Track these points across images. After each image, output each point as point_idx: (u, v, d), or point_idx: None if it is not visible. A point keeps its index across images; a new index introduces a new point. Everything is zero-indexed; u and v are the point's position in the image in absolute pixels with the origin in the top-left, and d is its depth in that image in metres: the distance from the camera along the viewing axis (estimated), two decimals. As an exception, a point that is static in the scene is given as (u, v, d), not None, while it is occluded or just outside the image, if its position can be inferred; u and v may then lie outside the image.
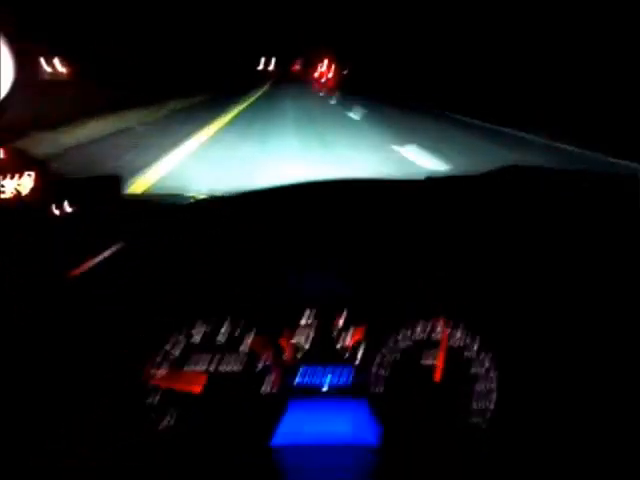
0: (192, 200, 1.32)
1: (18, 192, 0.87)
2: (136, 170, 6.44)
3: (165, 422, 1.01)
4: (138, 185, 5.94)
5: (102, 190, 1.15)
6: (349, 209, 1.15)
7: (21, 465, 0.88)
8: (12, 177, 0.86)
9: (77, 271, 0.91)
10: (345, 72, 48.94)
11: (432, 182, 1.53)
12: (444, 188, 1.46)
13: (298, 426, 1.03)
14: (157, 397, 1.01)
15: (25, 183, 0.87)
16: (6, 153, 0.86)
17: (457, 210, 1.19)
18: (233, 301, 1.04)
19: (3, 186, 0.86)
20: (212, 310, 1.03)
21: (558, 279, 1.08)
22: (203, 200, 1.29)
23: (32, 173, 0.88)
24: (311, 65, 61.55)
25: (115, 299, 0.96)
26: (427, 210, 1.18)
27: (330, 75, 51.18)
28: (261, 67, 59.24)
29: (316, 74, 56.21)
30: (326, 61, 55.40)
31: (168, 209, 1.22)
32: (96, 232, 1.01)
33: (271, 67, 63.16)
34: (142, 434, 1.01)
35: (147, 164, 6.99)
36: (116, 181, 1.17)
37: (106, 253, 0.94)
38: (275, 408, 1.03)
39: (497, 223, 1.15)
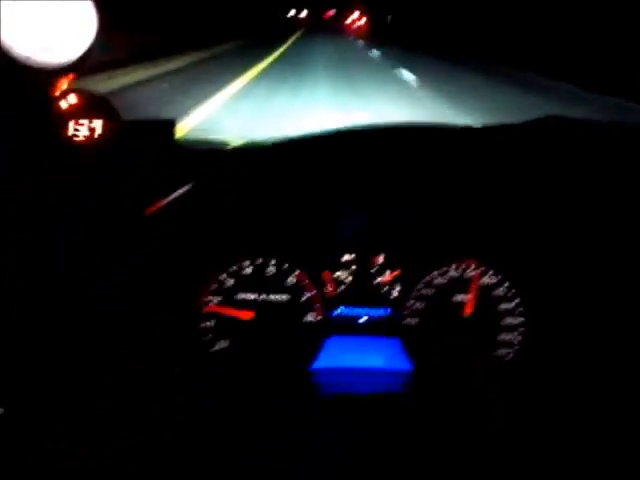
0: (232, 145, 1.39)
1: (91, 134, 0.96)
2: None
3: (218, 345, 1.12)
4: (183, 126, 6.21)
5: (159, 133, 1.23)
6: (386, 156, 1.21)
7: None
8: (85, 120, 0.95)
9: (153, 208, 1.01)
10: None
11: (469, 131, 1.58)
12: (481, 137, 1.51)
13: (336, 354, 1.14)
14: (212, 322, 1.11)
15: (96, 126, 0.96)
16: (79, 98, 0.94)
17: (492, 159, 1.24)
18: (279, 242, 1.13)
19: (77, 130, 0.95)
20: (260, 249, 1.13)
21: (589, 230, 1.13)
22: (248, 146, 1.36)
23: (102, 116, 0.96)
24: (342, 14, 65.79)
25: (178, 237, 1.06)
26: (463, 158, 1.24)
27: (362, 22, 54.29)
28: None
29: (348, 20, 60.22)
30: (357, 12, 59.13)
31: (214, 155, 1.28)
32: (155, 174, 1.09)
33: (303, 14, 63.09)
34: (197, 357, 1.12)
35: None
36: (172, 125, 1.25)
37: (175, 194, 1.02)
38: (317, 337, 1.13)
39: (531, 173, 1.19)
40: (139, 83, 9.55)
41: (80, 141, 0.95)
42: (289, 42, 26.42)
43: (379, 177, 1.15)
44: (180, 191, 1.03)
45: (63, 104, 0.93)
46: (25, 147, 0.91)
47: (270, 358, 1.12)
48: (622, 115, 8.09)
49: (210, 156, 1.22)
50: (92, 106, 0.96)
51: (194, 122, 6.74)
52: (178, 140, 1.25)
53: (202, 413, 1.02)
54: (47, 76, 0.83)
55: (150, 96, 8.19)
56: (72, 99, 0.94)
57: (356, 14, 60.67)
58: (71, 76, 0.86)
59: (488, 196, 1.15)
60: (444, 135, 1.51)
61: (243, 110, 7.97)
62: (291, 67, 14.85)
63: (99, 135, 0.96)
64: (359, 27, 52.64)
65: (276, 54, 18.92)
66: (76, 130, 0.95)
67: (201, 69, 13.23)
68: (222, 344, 1.12)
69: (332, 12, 75.78)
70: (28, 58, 0.79)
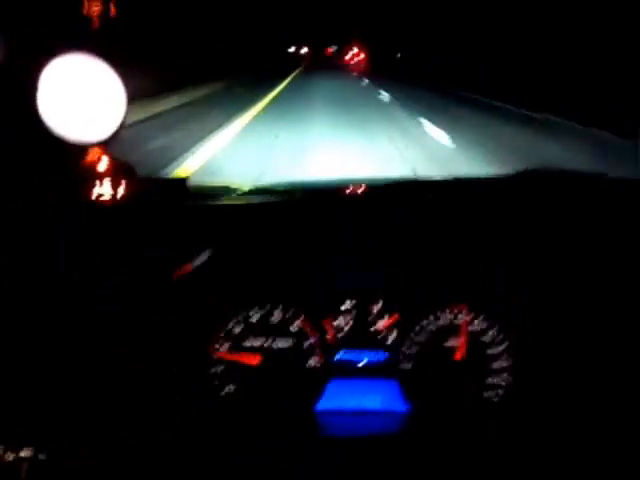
0: (238, 191, 1.49)
1: (114, 195, 1.06)
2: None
3: (226, 389, 1.20)
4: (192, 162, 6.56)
5: (172, 190, 1.33)
6: (380, 210, 1.31)
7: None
8: (111, 181, 1.04)
9: (177, 274, 1.10)
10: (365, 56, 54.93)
11: (456, 182, 1.68)
12: (467, 188, 1.61)
13: (338, 396, 1.22)
14: (220, 368, 1.20)
15: (120, 188, 1.06)
16: (106, 162, 1.04)
17: (480, 209, 1.34)
18: (284, 291, 1.22)
19: (104, 189, 1.05)
20: (266, 298, 1.21)
21: (575, 277, 1.22)
22: (252, 193, 1.45)
23: (126, 179, 1.06)
24: (343, 50, 69.41)
25: (192, 290, 1.15)
26: (453, 208, 1.34)
27: (361, 56, 56.61)
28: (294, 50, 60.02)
29: (347, 57, 63.14)
30: (355, 48, 62.17)
31: (223, 211, 1.37)
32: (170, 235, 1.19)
33: (304, 51, 65.07)
34: (206, 400, 1.20)
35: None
36: (182, 183, 1.35)
37: (196, 262, 1.12)
38: (319, 380, 1.21)
39: (518, 222, 1.29)
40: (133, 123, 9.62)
41: (105, 202, 1.05)
42: (289, 78, 27.00)
43: (375, 231, 1.24)
44: (201, 258, 1.11)
45: (90, 167, 1.03)
46: (24, 148, 0.97)
47: (275, 400, 1.20)
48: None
49: (219, 212, 1.30)
50: (116, 171, 1.06)
51: (196, 164, 6.87)
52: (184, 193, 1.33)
53: (206, 451, 1.08)
54: (80, 149, 0.93)
55: (145, 135, 8.27)
56: (98, 165, 1.04)
57: (355, 49, 63.19)
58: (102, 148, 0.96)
59: (477, 246, 1.24)
60: (435, 188, 1.61)
61: (246, 149, 8.11)
62: (292, 104, 15.19)
63: (121, 196, 1.06)
64: (358, 62, 54.55)
65: (277, 91, 19.32)
66: (101, 192, 1.05)
67: (199, 108, 13.41)
68: (230, 388, 1.20)
69: (333, 49, 78.41)
70: (64, 136, 0.89)
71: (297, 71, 32.54)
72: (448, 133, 9.74)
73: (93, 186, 1.03)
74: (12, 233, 0.98)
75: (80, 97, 0.89)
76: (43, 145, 0.90)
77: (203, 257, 1.13)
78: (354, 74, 35.62)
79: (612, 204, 1.37)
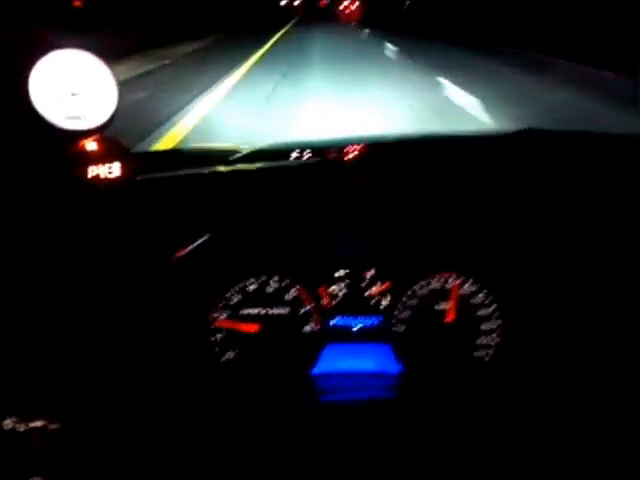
0: (230, 152, 1.50)
1: (108, 176, 1.08)
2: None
3: (226, 356, 1.26)
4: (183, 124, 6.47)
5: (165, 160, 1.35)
6: (372, 176, 1.33)
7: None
8: (104, 164, 1.07)
9: (181, 252, 1.14)
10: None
11: (449, 142, 1.69)
12: (461, 147, 1.63)
13: (334, 360, 1.27)
14: (220, 336, 1.25)
15: (115, 166, 1.09)
16: (102, 144, 1.06)
17: (472, 172, 1.36)
18: (280, 260, 1.26)
19: (99, 170, 1.07)
20: (262, 267, 1.25)
21: (566, 240, 1.26)
22: (244, 159, 1.46)
23: (119, 158, 1.09)
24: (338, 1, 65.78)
25: (192, 263, 1.19)
26: (444, 171, 1.36)
27: (353, 7, 55.49)
28: (286, 2, 58.34)
29: (341, 7, 60.42)
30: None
31: (219, 177, 1.38)
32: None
33: (297, 2, 63.35)
34: (207, 367, 1.25)
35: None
36: (178, 153, 1.37)
37: (197, 241, 1.16)
38: (315, 345, 1.27)
39: (510, 185, 1.32)
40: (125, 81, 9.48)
41: (100, 181, 1.08)
42: (283, 31, 26.47)
43: (367, 201, 1.27)
44: (199, 241, 1.15)
45: (84, 150, 1.06)
46: (24, 148, 1.00)
47: (273, 365, 1.26)
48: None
49: (214, 180, 1.32)
50: (109, 150, 1.08)
51: (189, 124, 6.77)
52: (178, 154, 1.34)
53: (206, 415, 1.14)
54: (75, 136, 0.96)
55: (135, 98, 8.15)
56: (92, 145, 1.06)
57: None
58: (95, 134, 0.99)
59: (466, 213, 1.28)
60: (427, 148, 1.63)
61: (241, 107, 7.99)
62: (287, 56, 14.86)
63: (116, 176, 1.09)
64: (351, 12, 53.30)
65: (270, 44, 18.96)
66: (96, 172, 1.08)
67: (189, 63, 13.19)
68: (230, 355, 1.25)
69: (325, 1, 76.47)
70: (58, 124, 0.92)
71: (290, 25, 31.79)
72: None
73: (88, 168, 1.05)
74: (11, 218, 1.01)
75: (73, 88, 0.93)
76: (39, 134, 0.93)
77: (202, 236, 1.16)
78: (351, 24, 35.10)
79: (608, 166, 1.39)
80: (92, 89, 0.94)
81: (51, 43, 0.87)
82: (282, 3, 55.63)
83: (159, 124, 6.64)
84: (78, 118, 0.93)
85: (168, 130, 6.48)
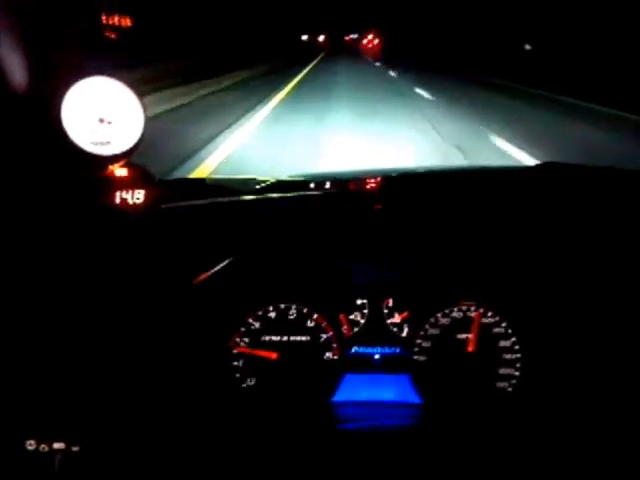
0: (254, 182, 1.52)
1: (135, 200, 1.11)
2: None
3: (247, 382, 1.26)
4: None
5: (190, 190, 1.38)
6: (391, 210, 1.34)
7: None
8: (130, 191, 1.10)
9: (199, 278, 1.15)
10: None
11: (471, 175, 1.70)
12: (481, 181, 1.64)
13: (353, 389, 1.26)
14: (241, 362, 1.25)
15: (141, 193, 1.11)
16: (130, 172, 1.09)
17: (493, 204, 1.37)
18: (300, 288, 1.27)
19: (125, 196, 1.10)
20: (283, 294, 1.26)
21: (585, 273, 1.24)
22: (266, 190, 1.48)
23: (145, 185, 1.11)
24: (360, 37, 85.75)
25: (214, 290, 1.20)
26: (464, 204, 1.36)
27: (376, 42, 69.55)
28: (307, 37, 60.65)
29: (364, 41, 77.63)
30: (371, 35, 78.16)
31: (243, 208, 1.40)
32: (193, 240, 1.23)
33: (321, 38, 68.10)
34: (228, 393, 1.25)
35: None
36: (201, 183, 1.40)
37: (219, 266, 1.17)
38: (335, 372, 1.26)
39: (531, 217, 1.31)
40: (154, 117, 9.67)
41: (126, 207, 1.10)
42: (311, 65, 27.27)
43: (386, 231, 1.28)
44: (220, 265, 1.17)
45: (111, 176, 1.08)
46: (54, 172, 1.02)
47: (292, 393, 1.25)
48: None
49: (237, 210, 1.34)
50: (136, 177, 1.11)
51: (219, 158, 6.86)
52: (203, 184, 1.37)
53: (225, 441, 1.13)
54: (103, 161, 0.99)
55: (166, 130, 8.32)
56: (118, 172, 1.09)
57: (370, 36, 76.35)
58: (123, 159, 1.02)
59: (486, 244, 1.27)
60: (449, 181, 1.64)
61: (267, 141, 8.12)
62: (314, 90, 15.41)
63: (142, 203, 1.11)
64: (374, 46, 65.62)
65: (298, 79, 19.42)
66: (124, 198, 1.10)
67: (219, 98, 13.48)
68: (250, 381, 1.25)
69: (352, 36, 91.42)
70: (87, 149, 0.95)
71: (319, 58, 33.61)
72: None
73: (115, 194, 1.08)
74: (37, 242, 1.03)
75: (102, 114, 0.96)
76: (67, 159, 0.96)
77: (222, 262, 1.17)
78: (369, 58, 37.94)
79: (626, 200, 1.39)
80: (120, 115, 0.97)
81: (83, 69, 0.91)
82: (304, 38, 56.82)
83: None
84: (106, 143, 0.96)
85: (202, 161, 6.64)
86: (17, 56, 0.91)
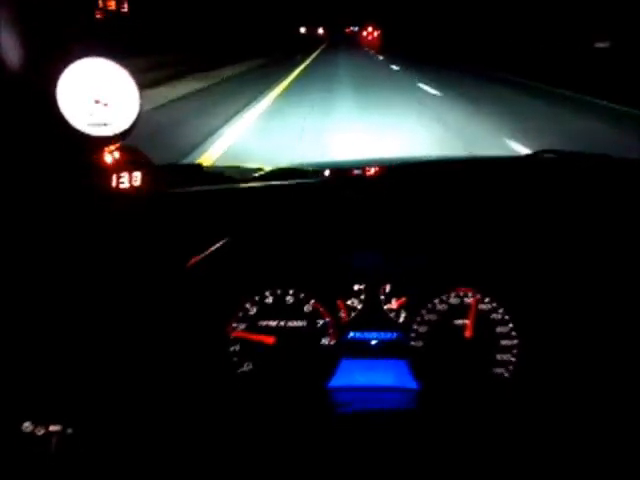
0: (253, 170, 1.52)
1: (133, 183, 1.11)
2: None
3: (243, 367, 1.26)
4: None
5: (188, 175, 1.38)
6: (389, 198, 1.33)
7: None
8: (128, 172, 1.10)
9: (194, 260, 1.15)
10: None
11: (468, 163, 1.70)
12: (478, 170, 1.63)
13: (350, 374, 1.27)
14: (237, 347, 1.25)
15: (138, 176, 1.11)
16: (121, 154, 1.09)
17: (489, 191, 1.36)
18: (298, 273, 1.26)
19: (122, 179, 1.10)
20: (280, 280, 1.26)
21: (582, 259, 1.24)
22: (263, 178, 1.48)
23: (142, 168, 1.11)
24: (360, 30, 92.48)
25: (211, 274, 1.20)
26: (462, 190, 1.36)
27: (375, 34, 75.65)
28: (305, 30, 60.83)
29: (364, 33, 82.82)
30: (370, 28, 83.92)
31: (241, 194, 1.40)
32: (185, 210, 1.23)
33: (321, 30, 69.43)
34: (224, 378, 1.25)
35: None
36: (199, 168, 1.40)
37: (214, 247, 1.16)
38: (332, 358, 1.26)
39: (527, 205, 1.31)
40: (158, 107, 9.67)
41: (124, 191, 1.10)
42: (313, 56, 27.36)
43: (384, 217, 1.28)
44: (217, 245, 1.16)
45: (108, 159, 1.08)
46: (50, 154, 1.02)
47: (289, 378, 1.25)
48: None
49: (233, 197, 1.34)
50: (132, 160, 1.11)
51: (221, 149, 6.88)
52: (201, 170, 1.36)
53: (222, 425, 1.13)
54: (99, 143, 0.98)
55: (170, 119, 8.33)
56: (115, 155, 1.09)
57: (370, 28, 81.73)
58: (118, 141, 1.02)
59: (484, 230, 1.27)
60: (446, 169, 1.64)
61: (268, 131, 8.12)
62: (316, 81, 15.50)
63: (139, 185, 1.11)
64: (373, 38, 70.84)
65: (299, 70, 19.41)
66: (121, 180, 1.10)
67: (221, 90, 13.45)
68: (247, 366, 1.26)
69: (353, 29, 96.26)
70: (83, 130, 0.94)
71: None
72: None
73: (111, 177, 1.08)
74: (32, 224, 1.03)
75: (98, 95, 0.96)
76: (63, 141, 0.96)
77: (217, 243, 1.17)
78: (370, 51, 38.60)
79: (621, 186, 1.39)
80: (116, 97, 0.97)
81: (78, 51, 0.91)
82: (302, 31, 56.58)
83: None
84: (102, 125, 0.96)
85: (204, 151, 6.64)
86: (12, 37, 0.90)
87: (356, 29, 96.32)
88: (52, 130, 0.95)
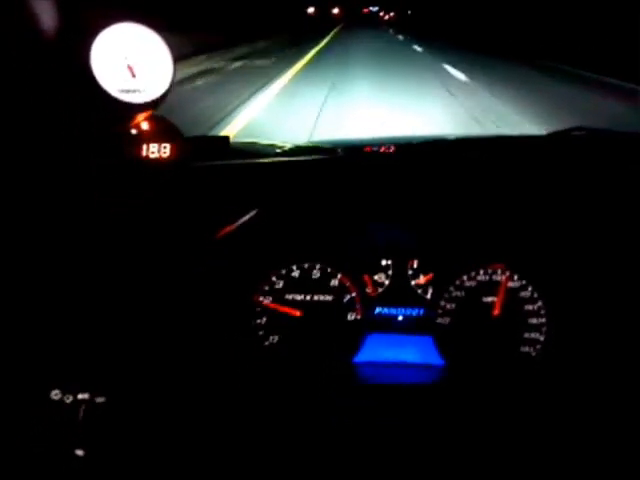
0: (279, 146, 1.51)
1: (162, 154, 1.10)
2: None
3: (270, 339, 1.26)
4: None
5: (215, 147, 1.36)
6: (418, 172, 1.31)
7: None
8: (158, 142, 1.09)
9: (224, 231, 1.15)
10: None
11: (496, 141, 1.67)
12: (503, 146, 1.61)
13: (376, 349, 1.26)
14: (264, 318, 1.25)
15: (167, 147, 1.10)
16: (152, 124, 1.08)
17: (520, 169, 1.34)
18: (325, 247, 1.26)
19: (152, 149, 1.09)
20: (308, 253, 1.25)
21: (610, 237, 1.22)
22: (292, 153, 1.47)
23: (171, 140, 1.10)
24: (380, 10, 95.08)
25: (238, 247, 1.19)
26: (490, 168, 1.34)
27: (392, 14, 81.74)
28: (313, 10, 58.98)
29: (381, 13, 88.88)
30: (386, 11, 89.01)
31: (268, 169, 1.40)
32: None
33: (336, 10, 67.44)
34: (252, 349, 1.25)
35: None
36: (226, 141, 1.39)
37: (243, 218, 1.16)
38: (358, 332, 1.26)
39: (557, 183, 1.28)
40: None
41: (153, 160, 1.10)
42: (330, 36, 27.16)
43: (413, 191, 1.26)
44: (245, 218, 1.16)
45: (140, 128, 1.08)
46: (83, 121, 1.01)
47: (315, 352, 1.25)
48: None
49: (260, 171, 1.33)
50: (163, 131, 1.10)
51: (240, 125, 6.91)
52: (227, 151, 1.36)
53: (248, 397, 1.13)
54: (130, 110, 0.97)
55: (188, 97, 8.34)
56: (146, 125, 1.08)
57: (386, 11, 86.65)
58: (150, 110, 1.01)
59: (514, 206, 1.25)
60: (472, 146, 1.61)
61: (287, 109, 8.11)
62: (334, 60, 15.44)
63: (168, 156, 1.10)
64: (390, 17, 77.02)
65: (317, 49, 19.30)
66: (151, 150, 1.09)
67: (240, 67, 13.42)
68: (273, 339, 1.26)
69: (372, 9, 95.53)
70: (116, 96, 0.93)
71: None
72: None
73: (141, 146, 1.07)
74: (61, 191, 1.03)
75: (131, 61, 0.94)
76: (96, 107, 0.95)
77: (246, 215, 1.16)
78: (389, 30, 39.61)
79: None
80: (149, 63, 0.95)
81: (114, 15, 0.89)
82: (310, 11, 54.93)
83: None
84: (134, 91, 0.95)
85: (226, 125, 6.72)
86: (46, 2, 0.89)
87: (376, 9, 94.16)
88: (84, 95, 0.94)
